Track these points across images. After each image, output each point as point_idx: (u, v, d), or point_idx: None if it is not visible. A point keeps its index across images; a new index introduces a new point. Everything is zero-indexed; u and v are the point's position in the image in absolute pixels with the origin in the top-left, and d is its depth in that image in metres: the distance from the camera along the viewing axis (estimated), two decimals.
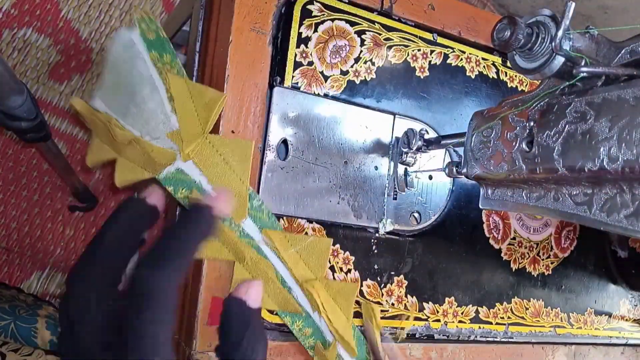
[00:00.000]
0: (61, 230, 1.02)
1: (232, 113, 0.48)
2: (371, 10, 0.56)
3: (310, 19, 0.52)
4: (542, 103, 0.39)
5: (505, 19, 0.36)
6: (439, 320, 0.59)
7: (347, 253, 0.54)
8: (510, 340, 0.63)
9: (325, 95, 0.53)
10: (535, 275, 0.66)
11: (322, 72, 0.53)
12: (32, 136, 0.68)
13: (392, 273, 0.56)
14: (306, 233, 0.52)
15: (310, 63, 0.52)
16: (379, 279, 0.55)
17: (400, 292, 0.57)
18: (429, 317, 0.58)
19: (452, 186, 0.61)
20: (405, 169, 0.56)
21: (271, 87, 0.50)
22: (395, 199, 0.57)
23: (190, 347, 0.47)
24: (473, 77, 0.62)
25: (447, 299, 0.59)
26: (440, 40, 0.60)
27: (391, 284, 0.56)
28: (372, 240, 0.55)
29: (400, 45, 0.57)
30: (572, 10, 0.34)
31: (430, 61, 0.59)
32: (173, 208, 0.54)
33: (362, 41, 0.55)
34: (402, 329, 0.56)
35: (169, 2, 1.11)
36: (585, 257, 0.71)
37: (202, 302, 0.47)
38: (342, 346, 0.50)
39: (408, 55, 0.58)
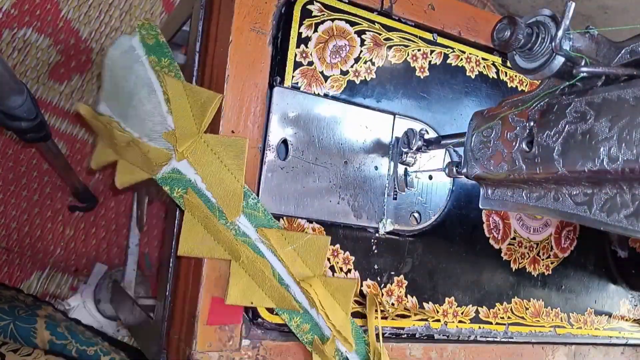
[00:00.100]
0: (61, 230, 1.02)
1: (232, 113, 0.48)
2: (371, 10, 0.56)
3: (310, 19, 0.52)
4: (542, 103, 0.39)
5: (505, 19, 0.36)
6: (439, 320, 0.59)
7: (347, 253, 0.54)
8: (510, 340, 0.63)
9: (325, 95, 0.53)
10: (535, 275, 0.66)
11: (322, 72, 0.53)
12: (32, 136, 0.68)
13: (392, 273, 0.56)
14: (306, 233, 0.52)
15: (310, 63, 0.52)
16: (379, 279, 0.55)
17: (400, 292, 0.57)
18: (428, 317, 0.58)
19: (452, 186, 0.61)
20: (405, 169, 0.56)
21: (271, 87, 0.50)
22: (395, 199, 0.57)
23: (190, 347, 0.47)
24: (473, 77, 0.62)
25: (447, 299, 0.59)
26: (440, 40, 0.60)
27: (391, 284, 0.56)
28: (372, 240, 0.55)
29: (400, 45, 0.57)
30: (572, 10, 0.34)
31: (430, 61, 0.59)
32: (173, 208, 0.54)
33: (362, 41, 0.55)
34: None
35: (169, 2, 1.11)
36: (585, 257, 0.71)
37: (202, 302, 0.47)
38: (340, 341, 0.50)
39: (408, 55, 0.58)
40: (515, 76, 0.66)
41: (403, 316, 0.56)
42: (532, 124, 0.39)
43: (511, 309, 0.64)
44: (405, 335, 0.57)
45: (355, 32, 0.55)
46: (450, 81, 0.61)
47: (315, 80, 0.53)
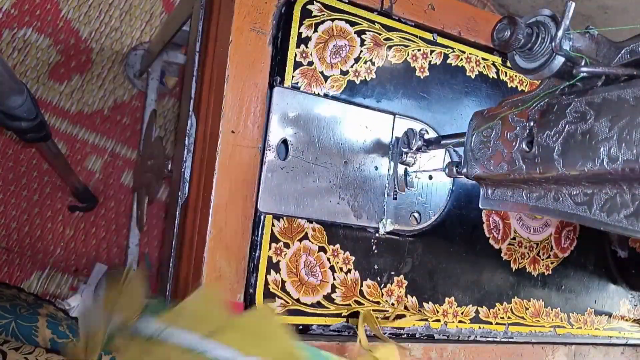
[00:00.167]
0: (61, 230, 1.02)
1: (232, 113, 0.48)
2: (371, 10, 0.56)
3: (310, 19, 0.52)
4: (542, 103, 0.39)
5: (505, 19, 0.36)
6: (439, 320, 0.59)
7: (347, 253, 0.54)
8: (510, 340, 0.63)
9: (325, 95, 0.53)
10: (535, 275, 0.66)
11: (322, 72, 0.53)
12: (32, 136, 0.68)
13: (392, 273, 0.56)
14: (306, 233, 0.52)
15: (310, 63, 0.52)
16: (379, 279, 0.55)
17: (400, 292, 0.57)
18: (429, 317, 0.58)
19: (452, 186, 0.61)
20: (405, 169, 0.56)
21: (271, 87, 0.50)
22: (395, 199, 0.57)
23: None
24: (473, 77, 0.62)
25: (447, 299, 0.59)
26: (440, 40, 0.60)
27: (391, 284, 0.56)
28: (372, 240, 0.55)
29: (400, 45, 0.57)
30: (572, 10, 0.34)
31: (430, 61, 0.59)
32: (173, 208, 0.54)
33: (362, 41, 0.55)
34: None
35: (169, 2, 1.11)
36: (585, 257, 0.71)
37: None
38: None
39: (408, 55, 0.58)
40: (515, 76, 0.66)
41: (403, 316, 0.56)
42: (532, 124, 0.39)
43: (511, 309, 0.64)
44: (405, 335, 0.57)
45: (355, 32, 0.55)
46: (450, 81, 0.61)
47: (315, 80, 0.53)
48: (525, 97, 0.41)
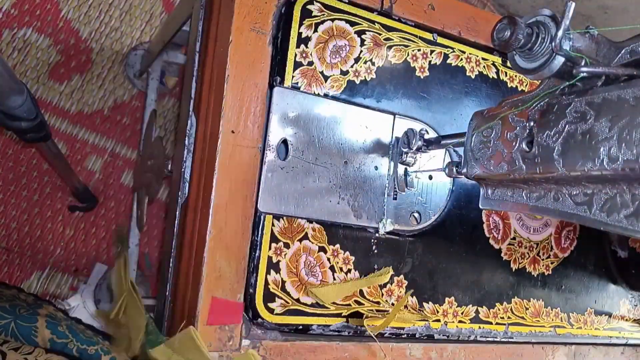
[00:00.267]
0: (61, 230, 1.02)
1: (232, 113, 0.48)
2: (371, 10, 0.56)
3: (310, 19, 0.52)
4: (542, 103, 0.39)
5: (505, 19, 0.36)
6: (439, 320, 0.59)
7: (347, 253, 0.54)
8: (510, 340, 0.63)
9: (325, 95, 0.53)
10: (535, 275, 0.66)
11: (322, 72, 0.53)
12: (32, 136, 0.68)
13: (392, 273, 0.56)
14: (306, 233, 0.52)
15: (310, 63, 0.52)
16: None
17: (400, 292, 0.57)
18: (429, 317, 0.58)
19: (452, 186, 0.61)
20: (405, 169, 0.56)
21: (271, 87, 0.50)
22: (395, 199, 0.57)
23: None
24: (473, 77, 0.62)
25: (447, 299, 0.59)
26: (440, 40, 0.60)
27: (391, 284, 0.56)
28: (372, 240, 0.55)
29: (400, 45, 0.57)
30: (572, 10, 0.34)
31: (430, 61, 0.59)
32: (173, 208, 0.54)
33: (362, 41, 0.55)
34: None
35: (169, 2, 1.11)
36: (585, 257, 0.71)
37: (202, 302, 0.47)
38: None
39: (408, 55, 0.58)
40: (515, 76, 0.66)
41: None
42: (532, 124, 0.39)
43: (511, 309, 0.64)
44: (405, 335, 0.57)
45: (355, 32, 0.55)
46: (450, 81, 0.61)
47: (315, 80, 0.53)
48: (525, 97, 0.41)
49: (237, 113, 0.49)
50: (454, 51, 0.61)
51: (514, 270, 0.65)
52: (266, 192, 0.50)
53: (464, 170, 0.46)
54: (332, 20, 0.53)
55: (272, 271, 0.50)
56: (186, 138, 0.54)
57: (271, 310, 0.49)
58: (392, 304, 0.56)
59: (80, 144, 1.04)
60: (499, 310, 0.63)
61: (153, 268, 1.08)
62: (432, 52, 0.59)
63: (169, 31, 0.83)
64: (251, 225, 0.49)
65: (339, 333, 0.53)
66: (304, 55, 0.52)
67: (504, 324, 0.63)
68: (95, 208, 1.03)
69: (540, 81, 0.41)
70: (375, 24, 0.56)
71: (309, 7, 0.52)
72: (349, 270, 0.54)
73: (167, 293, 0.54)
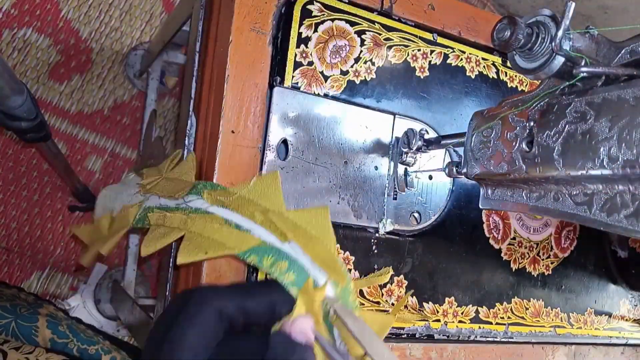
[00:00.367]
0: (61, 230, 1.02)
1: (232, 113, 0.48)
2: (371, 10, 0.56)
3: (310, 19, 0.52)
4: (542, 103, 0.39)
5: (505, 19, 0.36)
6: (439, 320, 0.59)
7: (347, 253, 0.54)
8: (510, 340, 0.63)
9: (325, 95, 0.53)
10: (535, 275, 0.66)
11: (322, 72, 0.53)
12: (32, 136, 0.68)
13: (392, 273, 0.56)
14: None
15: (310, 63, 0.52)
16: None
17: (400, 292, 0.57)
18: (429, 317, 0.58)
19: (452, 186, 0.61)
20: (405, 169, 0.56)
21: (271, 87, 0.50)
22: (395, 199, 0.57)
23: None
24: (473, 77, 0.62)
25: (447, 299, 0.59)
26: (440, 40, 0.60)
27: (391, 284, 0.56)
28: (372, 240, 0.55)
29: (400, 45, 0.57)
30: (572, 10, 0.34)
31: (430, 61, 0.59)
32: None
33: (362, 41, 0.55)
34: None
35: (169, 2, 1.11)
36: (585, 257, 0.71)
37: None
38: (329, 274, 0.42)
39: (408, 55, 0.58)
40: (515, 76, 0.66)
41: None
42: (532, 124, 0.39)
43: (511, 309, 0.64)
44: (405, 335, 0.57)
45: (355, 32, 0.55)
46: (450, 81, 0.61)
47: (315, 80, 0.53)
48: (525, 97, 0.41)
49: (237, 113, 0.49)
50: (454, 51, 0.61)
51: (514, 270, 0.65)
52: None
53: (464, 170, 0.46)
54: (332, 20, 0.53)
55: None
56: (186, 138, 0.54)
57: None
58: (392, 304, 0.56)
59: (80, 144, 1.04)
60: (499, 310, 0.63)
61: (153, 268, 1.08)
62: (432, 52, 0.59)
63: (169, 31, 0.83)
64: None
65: None
66: (304, 55, 0.52)
67: (504, 324, 0.63)
68: (95, 208, 1.03)
69: (540, 81, 0.41)
70: (375, 24, 0.56)
71: (309, 7, 0.52)
72: (349, 270, 0.54)
73: (167, 293, 0.54)
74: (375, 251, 0.55)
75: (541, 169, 0.38)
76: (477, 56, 0.63)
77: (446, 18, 0.60)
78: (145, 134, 0.99)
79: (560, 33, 0.33)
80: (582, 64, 0.34)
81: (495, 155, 0.42)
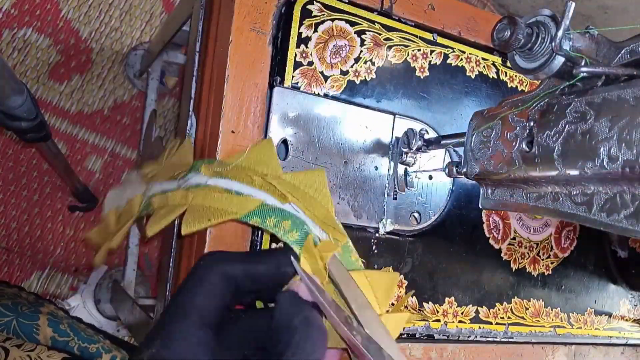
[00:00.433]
0: (61, 230, 1.02)
1: (232, 113, 0.48)
2: (371, 10, 0.56)
3: (310, 19, 0.52)
4: (542, 103, 0.39)
5: (505, 19, 0.36)
6: (439, 320, 0.59)
7: None
8: (510, 340, 0.63)
9: (325, 95, 0.53)
10: (535, 275, 0.66)
11: (322, 72, 0.53)
12: (32, 136, 0.69)
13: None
14: None
15: (310, 63, 0.52)
16: None
17: (400, 292, 0.57)
18: (429, 317, 0.58)
19: (452, 186, 0.61)
20: (405, 169, 0.56)
21: (271, 87, 0.50)
22: (395, 199, 0.57)
23: None
24: (473, 77, 0.62)
25: (447, 299, 0.59)
26: (440, 40, 0.60)
27: None
28: (372, 240, 0.55)
29: (400, 45, 0.57)
30: (572, 10, 0.34)
31: (430, 61, 0.59)
32: None
33: (362, 41, 0.55)
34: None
35: (169, 2, 1.11)
36: (585, 257, 0.71)
37: None
38: (330, 234, 0.42)
39: (408, 55, 0.58)
40: (515, 76, 0.66)
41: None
42: (532, 124, 0.39)
43: (511, 309, 0.64)
44: (405, 335, 0.57)
45: (355, 32, 0.55)
46: (450, 81, 0.61)
47: (315, 80, 0.53)
48: (525, 97, 0.41)
49: (237, 113, 0.49)
50: (454, 51, 0.61)
51: (514, 270, 0.65)
52: None
53: (464, 170, 0.46)
54: (332, 20, 0.53)
55: None
56: (186, 138, 0.54)
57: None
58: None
59: (80, 144, 1.04)
60: (499, 310, 0.63)
61: (153, 268, 1.08)
62: (432, 52, 0.59)
63: (169, 31, 0.83)
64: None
65: None
66: (304, 55, 0.52)
67: (504, 324, 0.63)
68: (95, 208, 1.03)
69: (540, 81, 0.41)
70: (375, 24, 0.56)
71: (309, 7, 0.52)
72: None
73: (167, 293, 0.54)
74: (375, 251, 0.55)
75: (541, 169, 0.38)
76: (477, 56, 0.63)
77: (446, 18, 0.60)
78: (145, 134, 0.99)
79: (560, 33, 0.33)
80: (582, 64, 0.34)
81: (495, 155, 0.42)
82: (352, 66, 0.55)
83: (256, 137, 0.50)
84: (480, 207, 0.46)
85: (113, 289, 0.99)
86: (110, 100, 1.07)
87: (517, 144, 0.40)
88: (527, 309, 0.65)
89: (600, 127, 0.34)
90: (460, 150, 0.48)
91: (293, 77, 0.51)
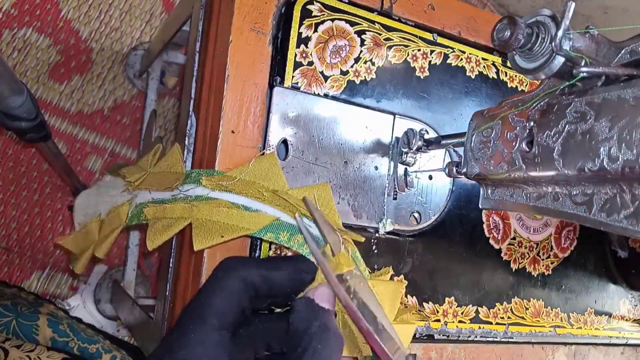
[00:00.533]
0: (61, 230, 1.02)
1: (232, 113, 0.49)
2: (371, 10, 0.56)
3: (310, 19, 0.52)
4: (542, 103, 0.39)
5: (505, 19, 0.36)
6: (439, 320, 0.59)
7: None
8: (510, 340, 0.63)
9: (325, 95, 0.53)
10: (535, 275, 0.66)
11: (322, 72, 0.53)
12: (32, 136, 0.68)
13: (392, 273, 0.56)
14: None
15: (310, 63, 0.52)
16: None
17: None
18: (429, 317, 0.58)
19: (452, 186, 0.61)
20: (405, 169, 0.56)
21: (271, 87, 0.50)
22: (395, 199, 0.57)
23: None
24: (473, 77, 0.62)
25: (447, 299, 0.59)
26: (440, 40, 0.60)
27: None
28: (372, 240, 0.55)
29: (400, 45, 0.57)
30: (572, 10, 0.34)
31: (430, 61, 0.59)
32: None
33: (362, 41, 0.55)
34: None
35: (169, 2, 1.11)
36: (585, 257, 0.71)
37: None
38: (345, 240, 0.43)
39: (408, 55, 0.58)
40: (515, 76, 0.66)
41: None
42: (532, 124, 0.39)
43: (511, 309, 0.64)
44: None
45: (355, 32, 0.55)
46: (450, 81, 0.61)
47: (315, 80, 0.53)
48: (525, 97, 0.41)
49: (237, 113, 0.49)
50: (454, 51, 0.61)
51: (514, 270, 0.65)
52: None
53: (464, 170, 0.46)
54: (332, 20, 0.53)
55: None
56: (186, 138, 0.54)
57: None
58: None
59: (80, 144, 1.04)
60: (499, 310, 0.63)
61: (153, 268, 1.08)
62: (432, 52, 0.59)
63: (169, 31, 0.83)
64: None
65: None
66: (304, 55, 0.52)
67: (504, 324, 0.63)
68: None
69: (540, 81, 0.41)
70: (375, 24, 0.56)
71: (309, 7, 0.52)
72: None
73: (167, 293, 0.54)
74: (375, 251, 0.55)
75: (541, 169, 0.38)
76: (477, 56, 0.63)
77: (446, 18, 0.60)
78: (145, 134, 0.99)
79: (560, 33, 0.33)
80: (582, 64, 0.34)
81: (495, 155, 0.42)
82: (352, 66, 0.55)
83: (256, 137, 0.50)
84: (480, 207, 0.46)
85: (113, 289, 0.99)
86: (110, 100, 1.07)
87: (517, 144, 0.40)
88: (527, 309, 0.65)
89: (600, 127, 0.34)
90: (460, 150, 0.48)
91: (293, 77, 0.51)
